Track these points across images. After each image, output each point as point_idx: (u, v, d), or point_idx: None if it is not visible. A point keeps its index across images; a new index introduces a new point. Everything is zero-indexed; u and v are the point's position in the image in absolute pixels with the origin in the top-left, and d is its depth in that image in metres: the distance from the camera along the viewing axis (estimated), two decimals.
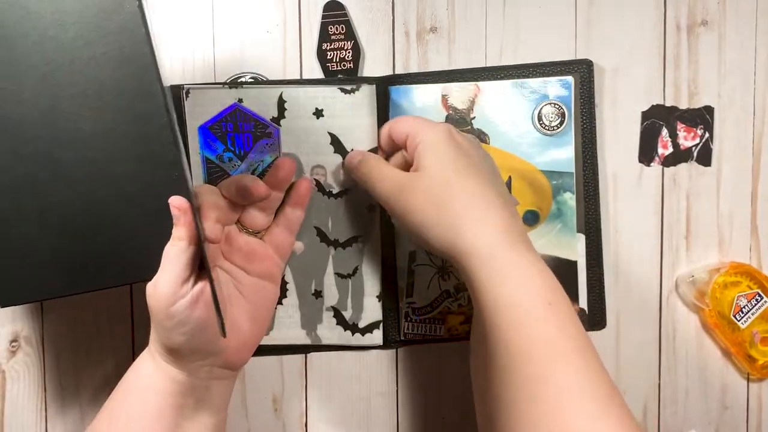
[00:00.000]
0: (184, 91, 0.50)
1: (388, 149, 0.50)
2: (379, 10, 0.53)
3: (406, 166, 0.46)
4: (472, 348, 0.42)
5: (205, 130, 0.51)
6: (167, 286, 0.39)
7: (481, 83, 0.52)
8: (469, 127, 0.52)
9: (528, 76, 0.52)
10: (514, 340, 0.35)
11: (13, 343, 0.53)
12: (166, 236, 0.41)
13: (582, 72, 0.52)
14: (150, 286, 0.40)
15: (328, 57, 0.53)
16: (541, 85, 0.52)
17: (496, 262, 0.37)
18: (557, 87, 0.52)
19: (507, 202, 0.41)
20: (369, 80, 0.52)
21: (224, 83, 0.51)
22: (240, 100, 0.50)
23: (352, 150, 0.50)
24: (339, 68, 0.53)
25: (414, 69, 0.53)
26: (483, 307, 0.37)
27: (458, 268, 0.40)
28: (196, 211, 0.41)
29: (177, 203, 0.39)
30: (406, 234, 0.46)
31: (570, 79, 0.52)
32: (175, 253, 0.40)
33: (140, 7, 0.41)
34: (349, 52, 0.53)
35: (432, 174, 0.41)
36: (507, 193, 0.44)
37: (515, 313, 0.36)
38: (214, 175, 0.51)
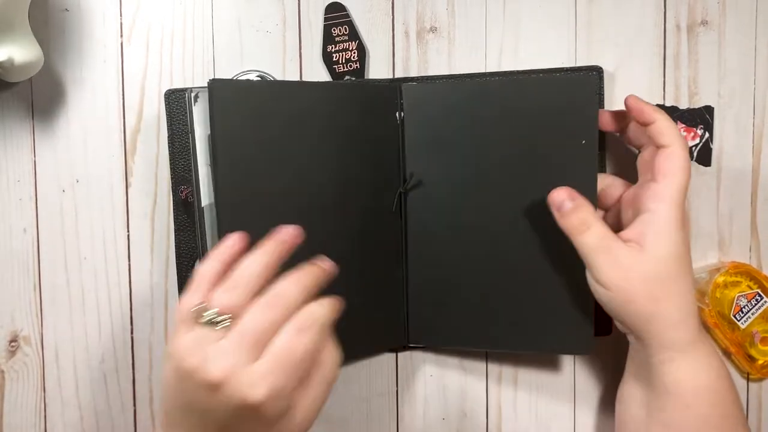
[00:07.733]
0: (193, 95, 0.46)
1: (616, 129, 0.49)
2: (378, 9, 0.53)
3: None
4: (629, 405, 0.49)
5: None
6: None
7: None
8: None
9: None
10: (710, 414, 0.45)
11: (13, 343, 0.52)
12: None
13: (591, 78, 0.51)
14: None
15: (334, 59, 0.53)
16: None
17: (690, 356, 0.45)
18: None
19: (692, 280, 0.45)
20: (377, 82, 0.52)
21: None
22: None
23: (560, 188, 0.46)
24: (346, 69, 0.53)
25: (414, 69, 0.53)
26: (678, 388, 0.45)
27: (642, 343, 0.45)
28: None
29: None
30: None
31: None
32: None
33: None
34: (354, 53, 0.53)
35: (657, 265, 0.44)
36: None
37: (711, 395, 0.45)
38: None
